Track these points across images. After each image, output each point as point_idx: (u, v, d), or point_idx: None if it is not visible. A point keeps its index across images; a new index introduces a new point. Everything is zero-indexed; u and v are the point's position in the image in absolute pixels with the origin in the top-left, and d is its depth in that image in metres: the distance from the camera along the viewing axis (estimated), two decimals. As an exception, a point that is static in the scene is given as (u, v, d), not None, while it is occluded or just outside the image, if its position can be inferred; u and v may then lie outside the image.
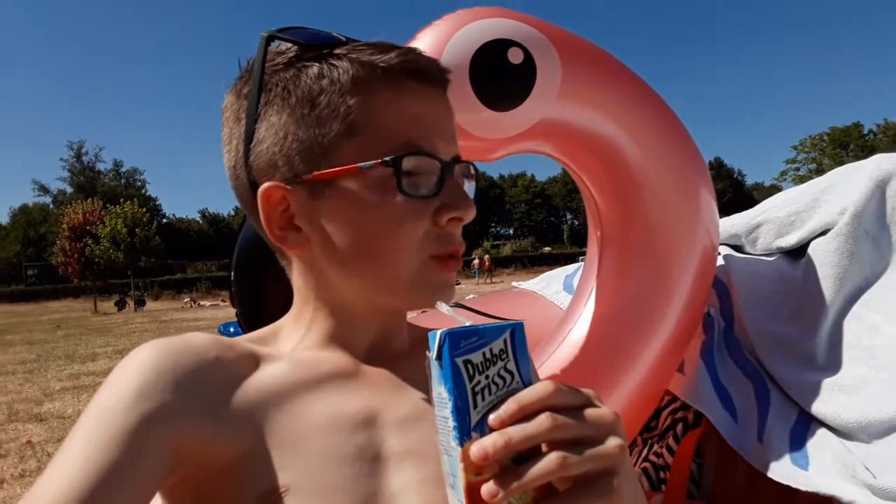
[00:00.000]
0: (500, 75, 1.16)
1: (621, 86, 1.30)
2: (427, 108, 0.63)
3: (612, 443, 0.47)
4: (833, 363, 1.25)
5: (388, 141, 0.60)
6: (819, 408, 1.20)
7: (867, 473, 1.07)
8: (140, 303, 27.58)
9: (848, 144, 62.31)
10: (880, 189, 1.42)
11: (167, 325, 16.02)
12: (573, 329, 1.40)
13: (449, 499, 0.49)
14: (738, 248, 1.69)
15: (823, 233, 1.44)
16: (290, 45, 0.64)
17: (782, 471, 1.17)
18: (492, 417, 0.46)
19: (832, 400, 1.19)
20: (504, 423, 0.45)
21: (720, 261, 1.61)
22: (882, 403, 1.12)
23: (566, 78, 1.20)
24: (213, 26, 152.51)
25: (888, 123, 64.01)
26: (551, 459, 0.44)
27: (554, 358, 1.37)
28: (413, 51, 0.64)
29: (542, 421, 0.45)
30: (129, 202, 32.26)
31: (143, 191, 71.66)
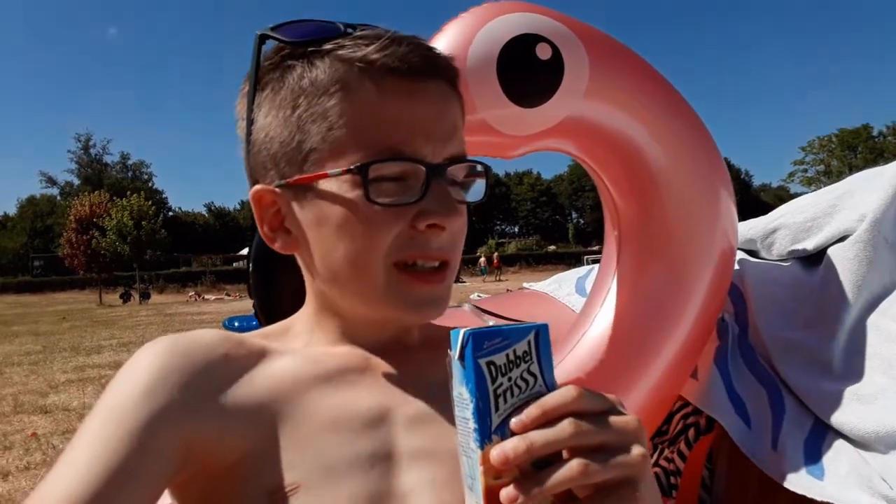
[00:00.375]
0: (529, 71, 1.15)
1: (646, 85, 1.29)
2: (410, 108, 0.59)
3: (636, 451, 0.46)
4: (850, 372, 1.24)
5: (364, 145, 0.58)
6: (835, 417, 1.19)
7: (884, 485, 1.06)
8: (145, 296, 27.69)
9: (857, 146, 62.01)
10: (900, 195, 1.40)
11: (171, 319, 16.07)
12: (588, 331, 1.39)
13: (466, 500, 0.48)
14: (753, 254, 1.68)
15: (841, 239, 1.42)
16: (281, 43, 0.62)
17: (797, 480, 1.16)
18: (514, 421, 0.45)
19: (849, 409, 1.18)
20: (526, 428, 0.45)
21: (735, 266, 1.59)
22: (900, 414, 1.10)
23: (593, 75, 1.19)
24: (224, 18, 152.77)
25: (896, 126, 63.69)
26: (573, 467, 0.44)
27: (568, 360, 1.36)
28: (399, 42, 0.59)
29: (565, 427, 0.45)
30: (135, 195, 32.34)
31: (149, 184, 71.98)
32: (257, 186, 0.63)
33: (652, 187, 1.33)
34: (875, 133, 63.45)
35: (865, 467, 1.09)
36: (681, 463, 1.49)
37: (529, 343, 0.47)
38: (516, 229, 79.58)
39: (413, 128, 0.58)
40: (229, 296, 29.51)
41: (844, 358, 1.27)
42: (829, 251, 1.42)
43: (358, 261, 0.60)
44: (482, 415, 0.45)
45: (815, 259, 1.48)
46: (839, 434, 1.19)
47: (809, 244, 1.49)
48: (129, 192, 33.79)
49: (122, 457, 0.51)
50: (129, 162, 74.80)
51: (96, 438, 0.52)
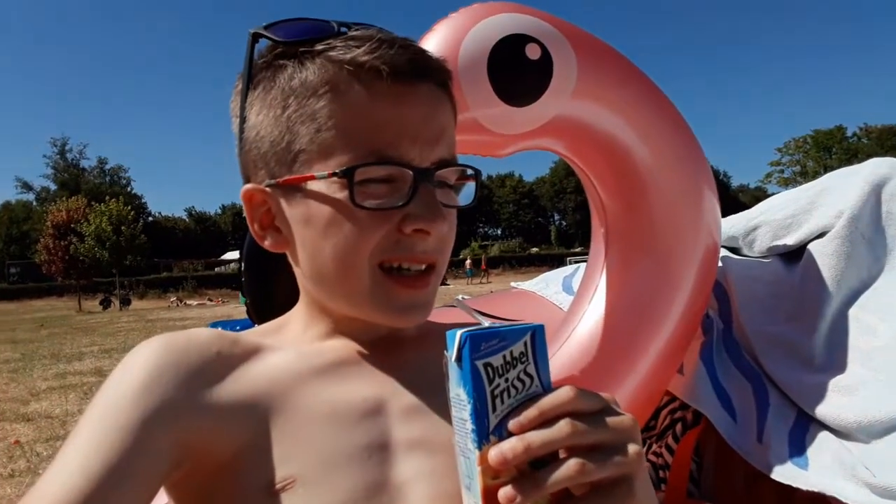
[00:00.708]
0: (518, 70, 1.17)
1: (632, 86, 1.32)
2: (398, 111, 0.58)
3: (631, 449, 0.47)
4: (831, 364, 1.27)
5: (352, 148, 0.58)
6: (818, 409, 1.22)
7: (867, 472, 1.09)
8: (125, 302, 27.33)
9: (831, 147, 63.00)
10: (875, 193, 1.45)
11: (153, 325, 15.88)
12: (577, 328, 1.41)
13: (464, 500, 0.49)
14: (735, 251, 1.71)
15: (820, 235, 1.46)
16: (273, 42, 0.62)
17: (782, 471, 1.19)
18: (512, 423, 0.46)
19: (831, 400, 1.21)
20: (524, 429, 0.46)
21: (718, 262, 1.63)
22: (880, 403, 1.14)
23: (581, 76, 1.21)
24: (203, 20, 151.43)
25: (868, 127, 64.79)
26: (570, 466, 0.45)
27: (557, 357, 1.38)
28: (390, 44, 0.59)
29: (562, 427, 0.45)
30: (113, 200, 31.91)
31: (128, 188, 71.04)
32: (247, 185, 0.64)
33: (638, 185, 1.35)
34: (849, 134, 64.56)
35: (848, 456, 1.13)
36: (669, 457, 1.52)
37: (526, 344, 0.48)
38: (499, 232, 79.75)
39: (401, 131, 0.58)
40: (211, 301, 29.23)
41: (825, 351, 1.31)
42: (809, 247, 1.45)
43: (343, 261, 0.60)
44: (479, 416, 0.46)
45: (795, 255, 1.52)
46: (822, 425, 1.22)
47: (789, 240, 1.53)
48: (107, 198, 33.29)
49: (117, 455, 0.51)
50: (107, 167, 73.89)
51: (91, 437, 0.52)
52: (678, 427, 1.53)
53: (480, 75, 1.15)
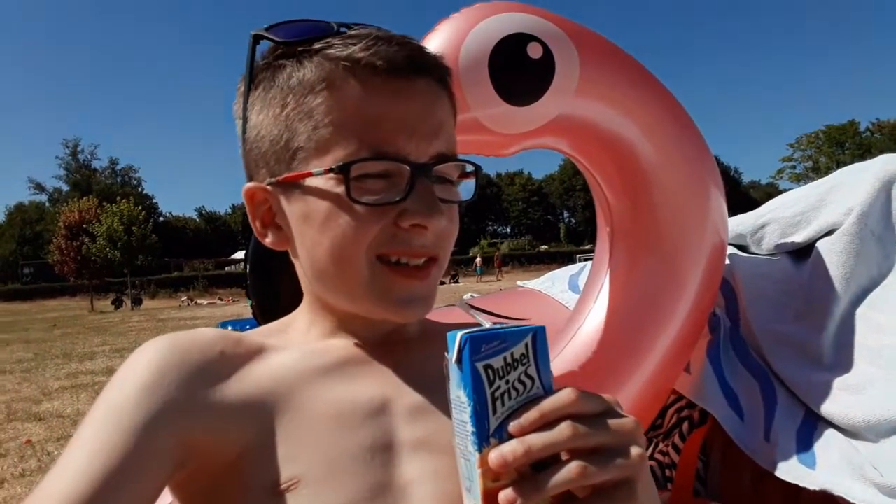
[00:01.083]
0: (520, 70, 1.16)
1: (637, 83, 1.31)
2: (394, 106, 0.59)
3: (633, 452, 0.47)
4: (840, 363, 1.26)
5: (348, 144, 0.58)
6: (826, 407, 1.21)
7: (875, 472, 1.08)
8: (137, 301, 27.53)
9: (844, 142, 62.42)
10: (886, 189, 1.43)
11: (164, 324, 15.99)
12: (582, 327, 1.40)
13: (465, 502, 0.48)
14: (743, 248, 1.70)
15: (829, 233, 1.44)
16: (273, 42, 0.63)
17: (789, 470, 1.18)
18: (512, 425, 0.46)
19: (839, 399, 1.20)
20: (525, 431, 0.45)
21: (725, 261, 1.61)
22: (889, 403, 1.12)
23: (584, 74, 1.20)
24: (213, 21, 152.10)
25: (881, 122, 64.13)
26: (571, 469, 0.44)
27: (562, 357, 1.38)
28: (388, 41, 0.59)
29: (563, 430, 0.45)
30: (125, 200, 32.11)
31: (139, 189, 71.52)
32: (249, 184, 0.65)
33: (643, 184, 1.34)
34: (862, 129, 63.93)
35: (856, 456, 1.11)
36: (675, 456, 1.51)
37: (527, 345, 0.48)
38: (508, 230, 79.65)
39: (397, 126, 0.58)
40: (222, 300, 29.38)
41: (833, 349, 1.30)
42: (818, 245, 1.44)
43: (341, 255, 0.60)
44: (480, 418, 0.46)
45: (803, 253, 1.50)
46: (830, 424, 1.21)
47: (798, 238, 1.51)
48: (118, 198, 33.51)
49: (120, 456, 0.51)
50: (118, 167, 74.47)
51: (95, 437, 0.53)
52: (685, 426, 1.52)
53: (482, 75, 1.14)
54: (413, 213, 0.59)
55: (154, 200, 72.58)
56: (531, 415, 0.46)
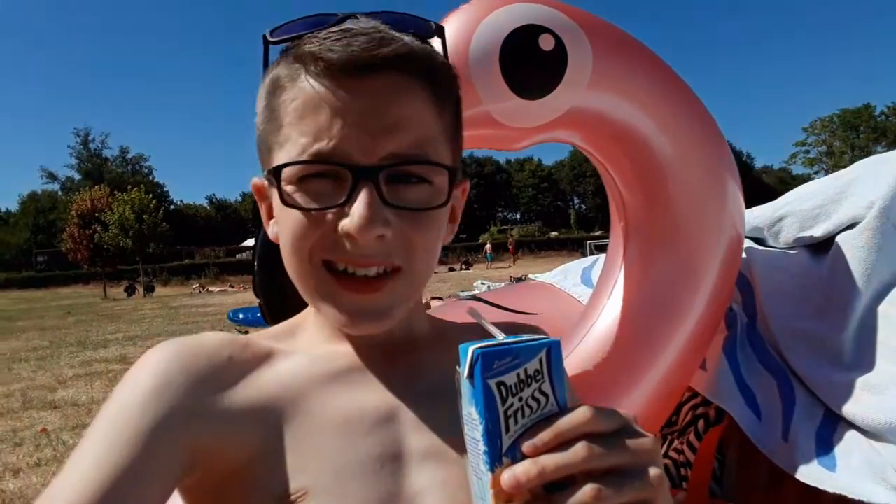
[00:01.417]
0: (531, 62, 1.14)
1: (650, 74, 1.27)
2: (343, 104, 0.55)
3: (651, 473, 0.45)
4: (861, 362, 1.23)
5: (293, 143, 0.56)
6: (846, 408, 1.18)
7: (897, 475, 1.05)
8: (149, 289, 27.74)
9: (859, 126, 61.55)
10: (908, 182, 1.39)
11: (176, 312, 16.12)
12: (596, 323, 1.38)
13: None
14: (760, 241, 1.66)
15: (849, 226, 1.41)
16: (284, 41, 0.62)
17: (809, 472, 1.15)
18: (526, 445, 0.44)
19: (860, 400, 1.17)
20: (538, 452, 0.44)
21: (742, 254, 1.58)
22: (913, 404, 1.10)
23: (597, 66, 1.17)
24: (225, 9, 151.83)
25: None
26: (586, 492, 0.43)
27: (576, 354, 1.36)
28: (354, 34, 0.55)
29: (579, 451, 0.44)
30: (136, 189, 32.30)
31: (149, 177, 71.89)
32: (254, 178, 0.66)
33: (658, 178, 1.31)
34: (877, 113, 62.97)
35: (878, 458, 1.09)
36: (690, 454, 1.49)
37: (541, 361, 0.46)
38: (518, 216, 79.45)
39: (342, 125, 0.55)
40: (233, 287, 29.55)
41: (854, 347, 1.27)
42: (838, 239, 1.40)
43: (290, 259, 0.60)
44: (492, 437, 0.44)
45: (822, 247, 1.47)
46: (850, 425, 1.18)
47: (817, 231, 1.48)
48: (129, 186, 33.69)
49: (127, 461, 0.51)
50: (129, 156, 74.76)
51: (102, 442, 0.53)
52: (700, 424, 1.50)
53: (492, 68, 1.11)
54: (346, 221, 0.55)
55: (165, 189, 72.89)
56: (545, 435, 0.44)
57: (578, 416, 0.45)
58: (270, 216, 0.65)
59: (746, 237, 1.69)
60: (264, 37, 0.62)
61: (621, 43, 1.26)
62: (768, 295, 1.48)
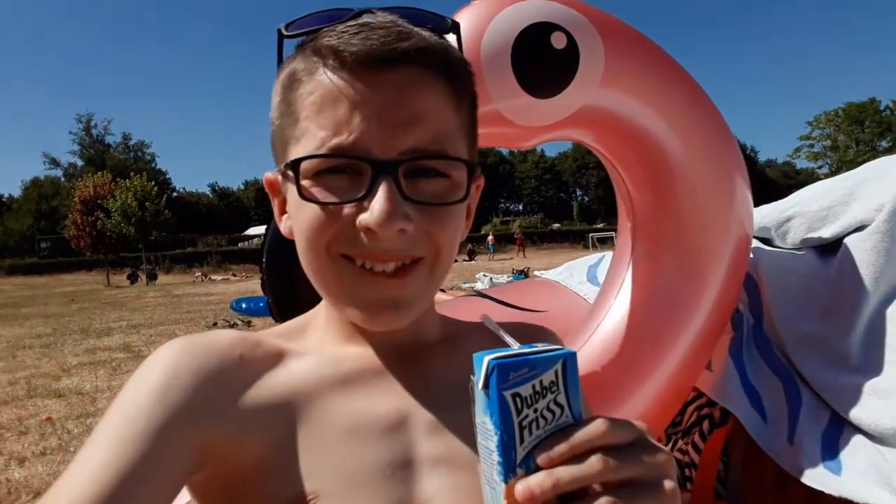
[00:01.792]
0: (543, 60, 1.13)
1: (663, 73, 1.27)
2: (361, 98, 0.55)
3: (666, 486, 0.45)
4: (868, 365, 1.23)
5: (311, 137, 0.56)
6: (853, 411, 1.18)
7: (903, 480, 1.05)
8: (152, 276, 27.75)
9: (863, 120, 61.17)
10: (918, 185, 1.38)
11: (179, 300, 16.13)
12: (602, 323, 1.38)
13: None
14: (767, 242, 1.66)
15: (858, 229, 1.41)
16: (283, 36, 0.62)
17: (814, 475, 1.15)
18: (541, 458, 0.44)
19: (867, 404, 1.17)
20: (553, 464, 0.44)
21: (749, 255, 1.58)
22: (920, 409, 1.10)
23: (609, 64, 1.17)
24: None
25: (903, 100, 62.70)
26: None
27: (583, 352, 1.36)
28: (372, 28, 0.55)
29: (593, 463, 0.44)
30: (138, 176, 32.27)
31: (152, 164, 71.80)
32: (267, 173, 0.65)
33: (668, 178, 1.31)
34: (882, 107, 62.54)
35: (884, 463, 1.09)
36: (695, 455, 1.49)
37: (557, 372, 0.46)
38: (520, 207, 79.32)
39: (361, 119, 0.55)
40: (235, 276, 29.57)
41: (862, 351, 1.26)
42: (846, 241, 1.40)
43: (307, 254, 0.59)
44: (507, 448, 0.44)
45: (830, 248, 1.47)
46: (856, 429, 1.18)
47: (825, 233, 1.47)
48: (132, 173, 33.68)
49: (135, 458, 0.51)
50: (131, 142, 74.63)
51: (111, 440, 0.52)
52: (705, 424, 1.50)
53: (504, 66, 1.11)
54: (365, 216, 0.55)
55: (167, 176, 72.83)
56: (561, 447, 0.44)
57: (594, 428, 0.45)
58: (283, 211, 0.64)
59: (753, 237, 1.68)
60: (279, 31, 0.61)
61: (633, 41, 1.25)
62: (775, 296, 1.48)
